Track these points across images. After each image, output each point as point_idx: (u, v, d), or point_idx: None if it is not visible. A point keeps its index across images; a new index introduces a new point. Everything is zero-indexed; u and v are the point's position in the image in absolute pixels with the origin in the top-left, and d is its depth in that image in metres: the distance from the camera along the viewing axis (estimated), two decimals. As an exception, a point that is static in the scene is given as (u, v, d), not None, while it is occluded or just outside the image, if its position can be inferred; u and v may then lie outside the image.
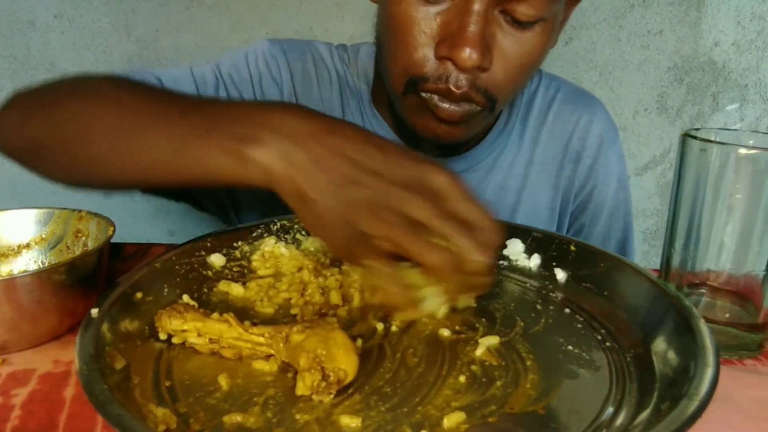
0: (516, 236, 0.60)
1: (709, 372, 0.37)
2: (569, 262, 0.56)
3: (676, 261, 0.50)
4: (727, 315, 0.49)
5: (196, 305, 0.49)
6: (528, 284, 0.56)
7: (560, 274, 0.56)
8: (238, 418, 0.36)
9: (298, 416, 0.36)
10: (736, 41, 1.20)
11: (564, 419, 0.37)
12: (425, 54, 0.58)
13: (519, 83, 0.62)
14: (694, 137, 0.48)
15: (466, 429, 0.36)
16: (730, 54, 1.21)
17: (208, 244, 0.55)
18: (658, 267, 0.54)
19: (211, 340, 0.42)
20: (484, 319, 0.49)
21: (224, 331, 0.42)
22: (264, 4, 1.14)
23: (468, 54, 0.55)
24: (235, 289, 0.51)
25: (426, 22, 0.57)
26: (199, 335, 0.42)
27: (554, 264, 0.57)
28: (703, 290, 0.50)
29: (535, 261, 0.58)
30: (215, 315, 0.43)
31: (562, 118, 0.79)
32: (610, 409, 0.38)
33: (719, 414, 0.41)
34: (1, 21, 1.13)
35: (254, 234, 0.58)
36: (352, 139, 0.41)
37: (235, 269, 0.55)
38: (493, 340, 0.45)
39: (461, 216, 0.40)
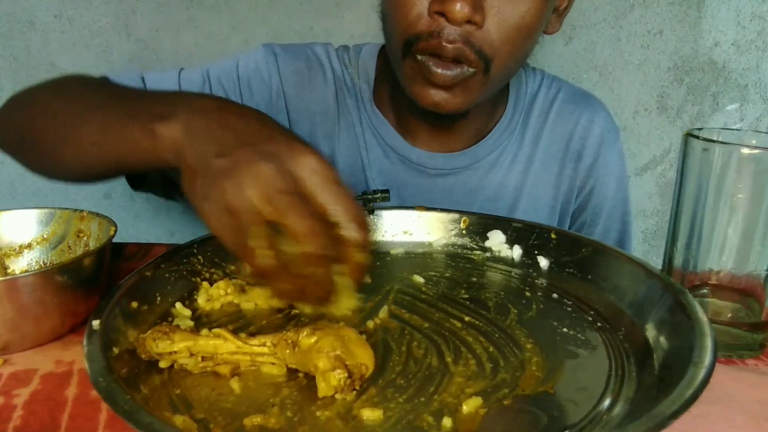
0: (496, 227, 0.61)
1: (708, 342, 0.38)
2: (551, 249, 0.58)
3: (678, 261, 0.50)
4: (729, 315, 0.50)
5: (190, 313, 0.48)
6: (512, 273, 0.58)
7: (543, 262, 0.58)
8: (258, 419, 0.36)
9: (318, 413, 0.37)
10: (736, 41, 1.20)
11: (574, 396, 0.39)
12: (420, 12, 0.60)
13: (515, 47, 0.63)
14: (697, 137, 0.48)
15: (484, 413, 0.37)
16: (730, 54, 1.21)
17: (195, 250, 0.54)
18: (659, 267, 0.54)
19: (203, 359, 0.41)
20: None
21: (219, 346, 0.41)
22: (264, 4, 1.14)
23: (459, 8, 0.57)
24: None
25: None
26: (191, 355, 0.41)
27: (536, 252, 0.58)
28: (706, 290, 0.50)
29: (517, 252, 0.60)
30: (204, 331, 0.42)
31: (563, 117, 0.79)
32: (615, 383, 0.40)
33: (721, 414, 0.41)
34: (1, 21, 1.12)
35: None
36: (245, 115, 0.44)
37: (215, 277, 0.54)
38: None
39: (316, 204, 0.40)
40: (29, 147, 0.59)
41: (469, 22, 0.58)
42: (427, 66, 0.61)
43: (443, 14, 0.58)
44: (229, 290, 0.51)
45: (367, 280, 0.54)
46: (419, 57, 0.62)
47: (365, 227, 0.41)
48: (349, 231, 0.40)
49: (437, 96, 0.63)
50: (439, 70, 0.61)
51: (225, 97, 0.47)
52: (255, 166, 0.39)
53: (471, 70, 0.61)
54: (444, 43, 0.59)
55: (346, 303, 0.45)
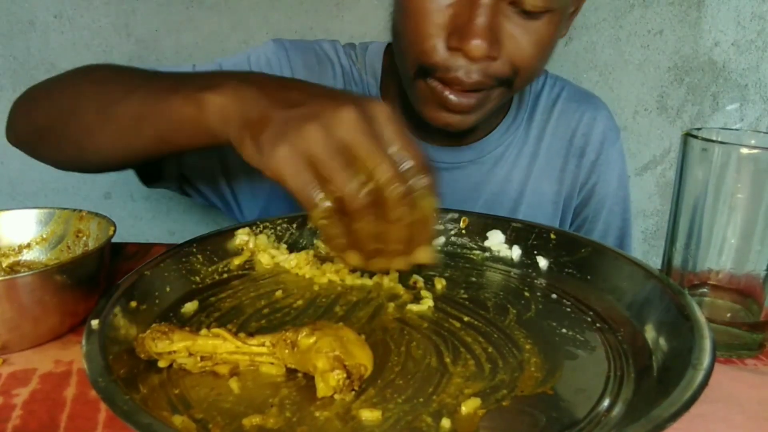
0: (496, 227, 0.61)
1: (707, 344, 0.38)
2: (550, 249, 0.58)
3: (677, 261, 0.50)
4: (728, 315, 0.50)
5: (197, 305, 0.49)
6: (511, 273, 0.58)
7: (542, 262, 0.58)
8: (257, 419, 0.36)
9: (317, 413, 0.37)
10: (736, 41, 1.20)
11: (572, 398, 0.39)
12: (436, 44, 0.60)
13: (532, 69, 0.64)
14: (696, 137, 0.48)
15: (483, 414, 0.37)
16: (730, 54, 1.21)
17: (194, 249, 0.54)
18: (658, 267, 0.54)
19: (202, 358, 0.41)
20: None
21: (218, 346, 0.41)
22: (264, 4, 1.14)
23: (477, 45, 0.57)
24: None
25: (438, 13, 0.59)
26: (190, 354, 0.41)
27: (536, 252, 0.58)
28: (705, 290, 0.50)
29: (516, 252, 0.60)
30: (203, 331, 0.42)
31: (566, 115, 0.81)
32: (614, 385, 0.40)
33: (720, 414, 0.41)
34: (1, 21, 1.12)
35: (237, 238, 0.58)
36: (298, 81, 0.44)
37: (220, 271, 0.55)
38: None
39: (388, 141, 0.40)
40: (55, 138, 0.58)
41: (487, 57, 0.58)
42: (444, 95, 0.61)
43: (461, 50, 0.58)
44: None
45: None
46: (432, 82, 0.62)
47: (433, 172, 0.41)
48: (419, 174, 0.40)
49: (451, 118, 0.64)
50: (456, 99, 0.61)
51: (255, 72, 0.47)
52: (337, 110, 0.39)
53: (490, 90, 0.62)
54: (462, 78, 0.59)
55: (425, 254, 0.44)
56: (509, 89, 0.64)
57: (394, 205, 0.39)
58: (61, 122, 0.56)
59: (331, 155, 0.38)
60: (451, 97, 0.61)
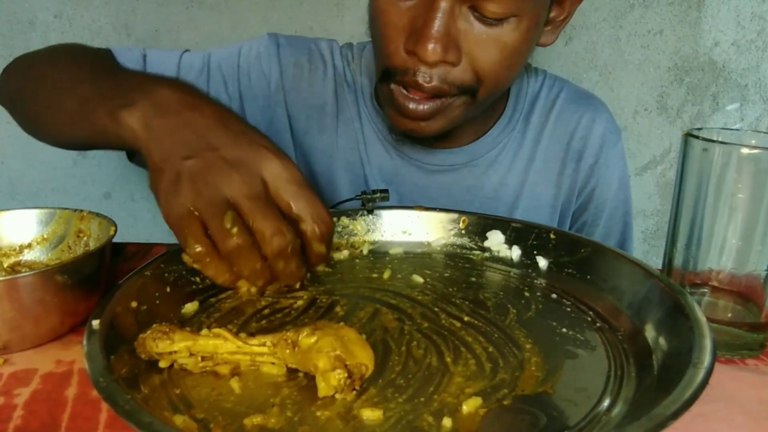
0: (495, 228, 0.61)
1: (707, 343, 0.38)
2: (550, 249, 0.58)
3: (678, 261, 0.50)
4: (729, 315, 0.50)
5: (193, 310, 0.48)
6: (511, 273, 0.58)
7: (542, 262, 0.58)
8: (258, 419, 0.36)
9: (318, 413, 0.37)
10: (736, 41, 1.20)
11: (573, 397, 0.39)
12: (396, 47, 0.60)
13: (498, 77, 0.63)
14: (696, 137, 0.48)
15: (484, 413, 0.37)
16: (730, 54, 1.21)
17: None
18: (658, 267, 0.54)
19: (203, 358, 0.41)
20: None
21: (219, 346, 0.41)
22: (264, 4, 1.14)
23: (431, 49, 0.57)
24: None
25: (397, 16, 0.59)
26: (191, 354, 0.41)
27: (535, 252, 0.58)
28: (705, 290, 0.50)
29: (516, 252, 0.60)
30: (204, 331, 0.42)
31: (564, 117, 0.79)
32: (614, 384, 0.40)
33: (721, 414, 0.41)
34: (1, 21, 1.12)
35: None
36: (206, 114, 0.45)
37: None
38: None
39: (281, 204, 0.43)
40: (20, 110, 0.63)
41: (443, 61, 0.58)
42: (400, 101, 0.62)
43: (416, 54, 0.58)
44: None
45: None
46: (392, 86, 0.62)
47: (325, 222, 0.44)
48: (309, 226, 0.43)
49: (411, 124, 0.64)
50: (413, 106, 0.61)
51: (190, 87, 0.48)
52: (226, 172, 0.41)
53: (451, 99, 0.61)
54: (420, 82, 0.59)
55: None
56: (473, 99, 0.63)
57: (273, 256, 0.43)
58: (24, 99, 0.61)
59: (217, 211, 0.41)
60: (408, 103, 0.61)
